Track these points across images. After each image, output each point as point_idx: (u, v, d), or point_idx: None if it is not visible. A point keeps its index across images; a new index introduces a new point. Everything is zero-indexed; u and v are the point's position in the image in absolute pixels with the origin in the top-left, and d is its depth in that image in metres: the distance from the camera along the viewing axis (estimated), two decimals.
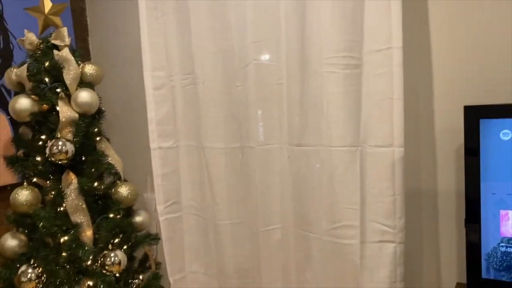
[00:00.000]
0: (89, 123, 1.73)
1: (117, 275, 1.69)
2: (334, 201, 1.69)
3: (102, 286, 1.63)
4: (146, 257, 1.99)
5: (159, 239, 1.90)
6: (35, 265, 1.61)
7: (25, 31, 1.71)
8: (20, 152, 1.74)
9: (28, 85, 1.69)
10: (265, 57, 1.80)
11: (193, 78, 1.92)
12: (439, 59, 1.64)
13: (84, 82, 1.75)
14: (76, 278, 1.62)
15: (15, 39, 1.97)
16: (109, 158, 1.81)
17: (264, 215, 1.87)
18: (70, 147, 1.64)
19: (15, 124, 1.91)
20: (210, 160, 1.93)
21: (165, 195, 2.00)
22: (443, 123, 1.65)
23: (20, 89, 1.74)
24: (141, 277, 1.90)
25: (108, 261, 1.66)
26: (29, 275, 1.59)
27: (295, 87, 1.73)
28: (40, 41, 1.72)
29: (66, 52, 1.70)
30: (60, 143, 1.63)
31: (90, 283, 1.64)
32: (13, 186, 1.70)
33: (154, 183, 1.99)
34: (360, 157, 1.64)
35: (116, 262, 1.66)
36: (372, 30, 1.58)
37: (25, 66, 1.70)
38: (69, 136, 1.67)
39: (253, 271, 1.93)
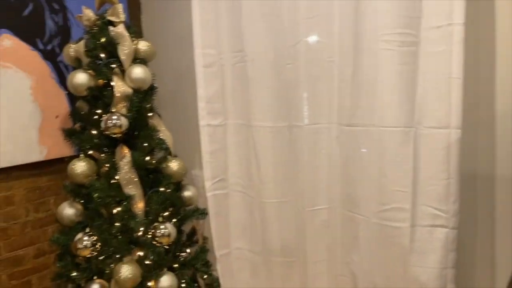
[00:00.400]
0: (142, 99, 1.77)
1: (167, 246, 1.74)
2: (384, 183, 1.65)
3: (152, 257, 1.69)
4: (193, 231, 2.04)
5: (207, 214, 1.94)
6: (90, 233, 1.69)
7: (83, 7, 1.76)
8: (77, 126, 1.82)
9: (85, 60, 1.75)
10: (317, 34, 1.76)
11: (242, 56, 1.91)
12: (504, 35, 1.54)
13: (138, 58, 1.79)
14: (128, 248, 1.68)
15: (73, 16, 2.04)
16: (161, 134, 1.86)
17: (311, 195, 1.86)
18: (124, 122, 1.69)
19: (72, 99, 1.99)
20: (257, 139, 1.93)
21: (212, 171, 2.03)
22: (505, 103, 1.56)
23: (77, 65, 1.81)
24: (188, 250, 1.95)
25: (158, 233, 1.71)
26: (85, 242, 1.67)
27: (347, 64, 1.69)
28: (97, 17, 1.77)
29: (121, 28, 1.74)
30: (114, 117, 1.68)
31: (141, 253, 1.71)
32: (70, 158, 1.78)
33: (202, 160, 2.02)
34: (414, 139, 1.58)
35: (166, 234, 1.71)
36: (432, 5, 1.50)
37: (82, 42, 1.76)
38: (123, 110, 1.72)
39: (298, 250, 1.93)
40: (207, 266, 2.02)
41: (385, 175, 1.64)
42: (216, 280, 2.03)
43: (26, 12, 1.88)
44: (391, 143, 1.61)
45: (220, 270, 2.04)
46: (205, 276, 1.99)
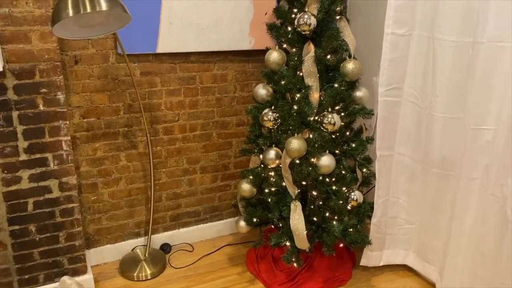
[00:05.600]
0: (332, 2, 2.00)
1: (331, 132, 2.04)
2: None
3: (317, 138, 2.03)
4: (361, 130, 2.29)
5: (372, 114, 2.14)
6: (275, 110, 2.11)
7: None
8: (278, 22, 2.18)
9: None
10: None
11: None
12: None
13: None
14: (300, 127, 2.05)
15: None
16: (344, 36, 2.07)
17: (479, 114, 1.86)
18: (313, 21, 1.97)
19: None
20: (438, 52, 1.97)
21: (388, 78, 2.16)
22: None
23: None
24: (353, 145, 2.22)
25: (325, 120, 2.01)
26: (269, 116, 2.09)
27: None
28: None
29: None
30: (305, 16, 1.97)
31: (310, 134, 2.06)
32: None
33: (381, 66, 2.16)
34: None
35: (332, 122, 2.00)
36: None
37: None
38: (314, 11, 1.99)
39: (456, 165, 2.00)
40: (368, 161, 2.27)
41: None
42: (373, 175, 2.27)
43: None
44: None
45: (378, 168, 2.26)
46: (364, 170, 2.26)
